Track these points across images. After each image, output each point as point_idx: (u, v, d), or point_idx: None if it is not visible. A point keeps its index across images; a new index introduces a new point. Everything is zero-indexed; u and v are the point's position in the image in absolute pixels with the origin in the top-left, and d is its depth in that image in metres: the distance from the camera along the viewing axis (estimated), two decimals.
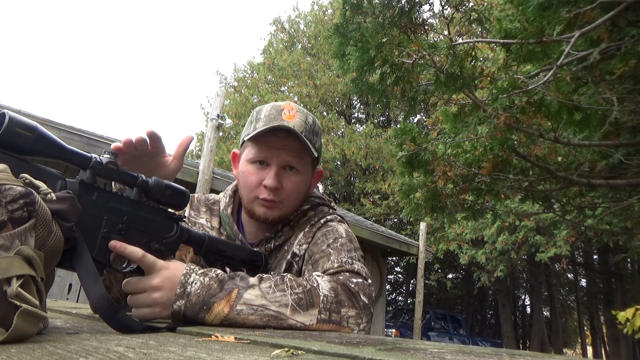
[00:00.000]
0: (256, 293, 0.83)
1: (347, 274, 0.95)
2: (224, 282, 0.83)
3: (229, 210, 1.17)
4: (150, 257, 0.82)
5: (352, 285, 0.92)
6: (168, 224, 0.90)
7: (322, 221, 1.11)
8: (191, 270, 0.83)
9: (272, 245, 1.12)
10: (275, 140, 1.06)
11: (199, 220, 1.19)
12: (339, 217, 1.15)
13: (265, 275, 0.87)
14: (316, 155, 1.10)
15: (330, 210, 1.18)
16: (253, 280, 0.85)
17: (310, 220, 1.13)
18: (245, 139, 1.11)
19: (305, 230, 1.10)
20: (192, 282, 0.81)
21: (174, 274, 0.82)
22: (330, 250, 1.02)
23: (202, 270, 0.84)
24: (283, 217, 1.11)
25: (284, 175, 1.07)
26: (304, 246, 1.08)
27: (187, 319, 0.80)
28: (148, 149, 0.95)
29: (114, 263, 0.87)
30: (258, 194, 1.08)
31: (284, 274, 0.90)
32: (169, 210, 0.91)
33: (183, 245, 0.96)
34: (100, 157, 0.78)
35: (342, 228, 1.10)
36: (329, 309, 0.86)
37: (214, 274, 0.84)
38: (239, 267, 1.05)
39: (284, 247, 1.13)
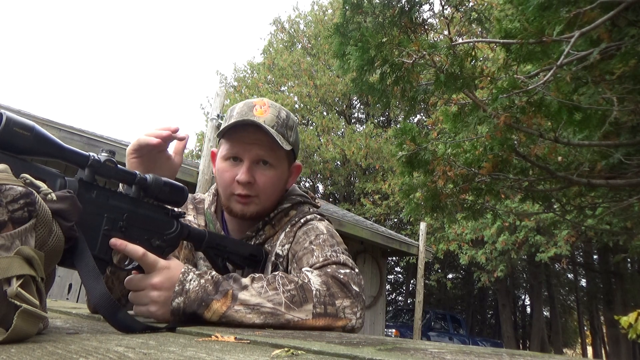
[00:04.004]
0: (251, 293, 0.84)
1: (334, 266, 0.96)
2: (218, 284, 0.84)
3: (212, 209, 1.19)
4: (151, 256, 0.82)
5: (342, 276, 0.92)
6: (168, 220, 0.91)
7: (302, 221, 1.11)
8: (189, 269, 0.85)
9: (253, 243, 1.14)
10: (246, 136, 1.07)
11: (187, 218, 1.20)
12: (318, 216, 1.15)
13: (257, 276, 0.88)
14: (290, 149, 1.10)
15: (311, 209, 1.18)
16: (245, 281, 0.86)
17: (292, 220, 1.13)
18: (217, 136, 1.14)
19: (287, 231, 1.11)
20: (190, 280, 0.83)
21: (173, 274, 0.83)
22: (312, 247, 1.03)
23: (198, 272, 0.85)
24: (261, 212, 1.12)
25: (257, 170, 1.08)
26: (287, 246, 1.09)
27: (187, 315, 0.81)
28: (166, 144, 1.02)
29: (117, 261, 0.87)
30: (233, 190, 1.09)
31: (276, 273, 0.90)
32: (168, 207, 0.91)
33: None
34: (98, 156, 0.78)
35: (322, 225, 1.11)
36: (323, 302, 0.86)
37: (209, 276, 0.85)
38: (240, 262, 1.06)
39: (266, 246, 1.14)
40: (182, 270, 0.84)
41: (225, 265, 1.03)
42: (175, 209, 0.93)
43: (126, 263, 0.89)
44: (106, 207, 0.79)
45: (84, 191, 0.76)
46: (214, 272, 0.86)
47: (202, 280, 0.83)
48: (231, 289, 0.83)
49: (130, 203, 0.84)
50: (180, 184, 0.91)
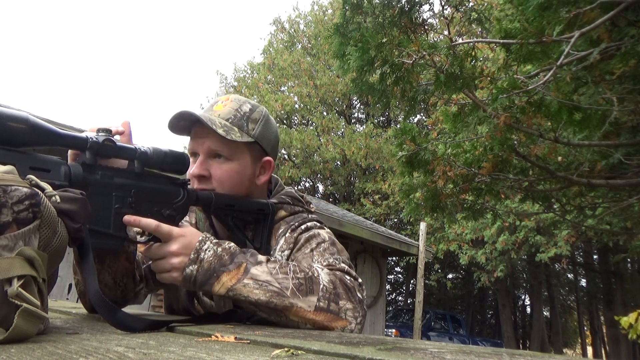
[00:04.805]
0: (263, 269, 0.86)
1: (340, 272, 0.96)
2: (234, 255, 0.86)
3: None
4: (165, 226, 0.85)
5: (349, 282, 0.93)
6: (174, 189, 0.93)
7: (302, 227, 1.09)
8: (206, 238, 0.87)
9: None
10: (199, 131, 1.06)
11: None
12: (318, 224, 1.13)
13: (272, 258, 0.90)
14: (246, 141, 1.06)
15: (310, 216, 1.15)
16: (261, 257, 0.88)
17: (290, 225, 1.10)
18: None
19: (286, 236, 1.09)
20: (205, 249, 0.86)
21: (190, 241, 0.86)
22: (313, 253, 1.02)
23: (216, 240, 0.88)
24: None
25: (212, 164, 1.06)
26: (287, 252, 1.07)
27: (197, 284, 0.84)
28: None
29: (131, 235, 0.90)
30: (193, 184, 1.08)
31: (289, 261, 0.92)
32: (173, 176, 0.93)
33: None
34: (97, 137, 0.79)
35: (323, 232, 1.09)
36: (328, 299, 0.87)
37: (227, 246, 0.87)
38: (249, 219, 1.07)
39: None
40: (200, 238, 0.87)
41: (236, 224, 1.04)
42: (180, 177, 0.94)
43: (140, 236, 0.92)
44: (113, 186, 0.81)
45: (89, 174, 0.77)
46: (232, 243, 0.89)
47: (219, 249, 0.86)
48: (246, 262, 0.85)
49: (136, 178, 0.85)
50: (181, 152, 0.92)
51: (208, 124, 1.01)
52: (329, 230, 1.13)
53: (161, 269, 0.87)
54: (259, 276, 0.84)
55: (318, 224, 1.13)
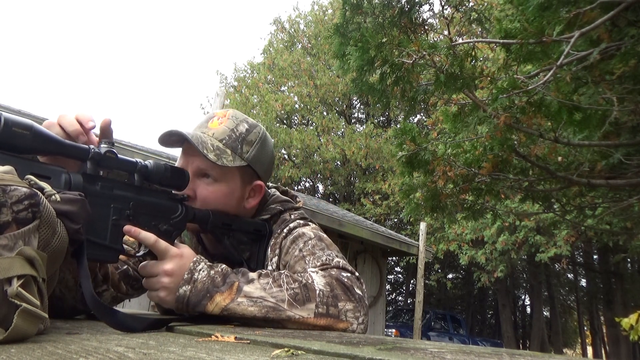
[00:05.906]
0: (255, 286, 0.85)
1: (336, 269, 0.95)
2: (227, 275, 0.85)
3: None
4: (163, 243, 0.85)
5: (345, 280, 0.91)
6: (173, 204, 0.92)
7: (285, 230, 1.07)
8: (200, 259, 0.86)
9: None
10: (190, 148, 1.02)
11: None
12: (302, 221, 1.10)
13: (264, 272, 0.89)
14: (237, 166, 1.02)
15: (292, 216, 1.12)
16: (253, 275, 0.87)
17: (273, 232, 1.09)
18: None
19: (271, 244, 1.07)
20: (199, 270, 0.85)
21: (185, 263, 0.85)
22: (304, 254, 1.00)
23: (210, 263, 0.87)
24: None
25: (199, 184, 1.02)
26: (275, 259, 1.06)
27: (190, 305, 0.83)
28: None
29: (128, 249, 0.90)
30: None
31: (282, 271, 0.91)
32: (172, 191, 0.93)
33: None
34: (99, 148, 0.80)
35: (307, 229, 1.07)
36: (326, 303, 0.86)
37: (219, 268, 0.86)
38: (245, 239, 1.06)
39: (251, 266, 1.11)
40: (194, 259, 0.86)
41: (232, 243, 1.04)
42: (179, 193, 0.94)
43: (137, 250, 0.91)
44: (112, 197, 0.81)
45: (89, 184, 0.77)
46: (224, 265, 0.88)
47: (212, 272, 0.85)
48: (238, 281, 0.84)
49: (135, 191, 0.85)
50: (181, 168, 0.92)
51: (199, 148, 0.97)
52: (314, 225, 1.10)
53: (151, 287, 0.86)
54: (252, 293, 0.83)
55: (302, 222, 1.10)
